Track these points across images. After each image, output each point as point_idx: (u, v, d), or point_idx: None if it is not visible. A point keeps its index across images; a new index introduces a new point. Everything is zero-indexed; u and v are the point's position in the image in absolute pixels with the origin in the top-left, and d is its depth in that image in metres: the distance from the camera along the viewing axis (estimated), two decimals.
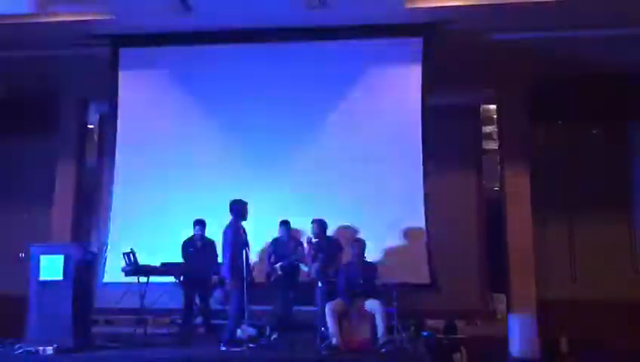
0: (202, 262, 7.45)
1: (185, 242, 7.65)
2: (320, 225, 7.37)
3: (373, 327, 6.56)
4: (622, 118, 8.85)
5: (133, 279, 7.27)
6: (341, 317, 6.61)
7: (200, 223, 7.59)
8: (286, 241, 7.50)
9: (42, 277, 6.60)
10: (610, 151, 8.83)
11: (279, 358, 6.32)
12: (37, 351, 6.25)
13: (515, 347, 7.91)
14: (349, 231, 7.74)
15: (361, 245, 6.98)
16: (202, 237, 7.60)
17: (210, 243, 7.58)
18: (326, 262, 7.04)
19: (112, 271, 7.95)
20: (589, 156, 8.80)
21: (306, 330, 6.88)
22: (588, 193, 8.66)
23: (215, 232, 7.59)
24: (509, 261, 8.30)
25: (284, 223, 7.53)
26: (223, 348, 6.44)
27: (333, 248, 7.28)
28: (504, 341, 7.98)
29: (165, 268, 7.39)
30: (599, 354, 7.87)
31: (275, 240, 7.55)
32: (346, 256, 7.24)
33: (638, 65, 8.38)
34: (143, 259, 7.38)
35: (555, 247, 8.62)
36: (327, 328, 6.62)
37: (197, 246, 7.60)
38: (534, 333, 7.88)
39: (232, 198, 6.90)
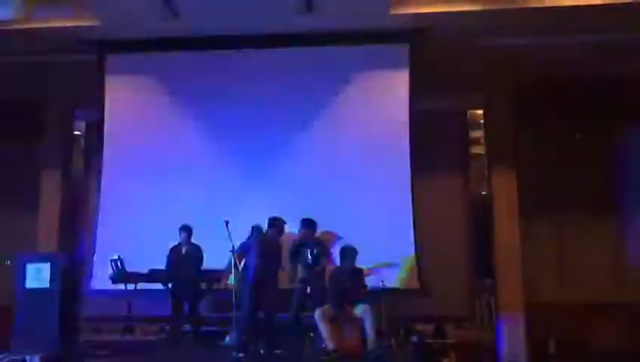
0: (188, 268, 7.40)
1: (171, 249, 7.59)
2: (306, 224, 7.27)
3: (363, 332, 6.57)
4: (607, 122, 8.94)
5: (121, 286, 7.24)
6: (331, 323, 6.61)
7: (185, 229, 7.53)
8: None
9: (28, 286, 6.55)
10: (596, 154, 8.91)
11: None
12: (23, 360, 6.19)
13: (504, 349, 7.95)
14: (336, 237, 7.75)
15: (352, 253, 6.97)
16: (188, 243, 7.55)
17: (196, 249, 7.53)
18: (310, 265, 7.02)
19: (100, 278, 7.90)
20: (575, 160, 8.87)
21: (287, 336, 6.87)
22: (574, 196, 8.73)
23: (204, 238, 7.59)
24: (496, 264, 8.35)
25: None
26: (241, 355, 6.42)
27: (319, 250, 7.19)
28: (493, 344, 8.01)
29: (153, 275, 7.35)
30: (586, 355, 7.94)
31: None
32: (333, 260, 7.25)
33: (623, 69, 8.48)
34: (130, 266, 7.35)
35: (542, 250, 8.67)
36: (316, 334, 6.62)
37: (182, 253, 7.55)
38: (522, 335, 7.92)
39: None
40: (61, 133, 9.11)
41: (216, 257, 7.38)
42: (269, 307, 6.79)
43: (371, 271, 7.46)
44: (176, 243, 7.57)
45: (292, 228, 7.36)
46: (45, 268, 6.59)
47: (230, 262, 6.88)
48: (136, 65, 8.64)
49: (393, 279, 7.78)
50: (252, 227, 7.14)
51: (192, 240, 7.58)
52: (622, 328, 8.14)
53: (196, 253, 7.48)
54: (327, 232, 7.72)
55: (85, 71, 8.52)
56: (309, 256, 7.05)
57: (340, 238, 7.67)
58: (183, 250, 7.54)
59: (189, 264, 7.41)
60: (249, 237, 6.99)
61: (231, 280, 7.11)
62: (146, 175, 8.35)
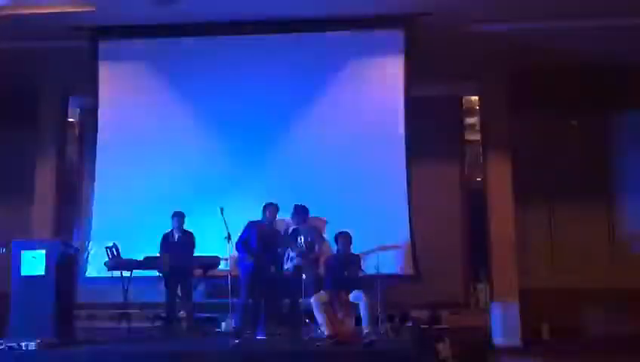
0: (180, 254, 7.37)
1: (163, 236, 7.56)
2: (298, 211, 7.23)
3: (358, 319, 6.59)
4: (601, 108, 8.95)
5: (117, 273, 7.24)
6: (326, 309, 6.63)
7: (178, 215, 7.49)
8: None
9: (24, 273, 6.54)
10: (590, 141, 8.94)
11: (273, 351, 6.30)
12: (20, 347, 6.20)
13: (498, 335, 8.01)
14: (332, 223, 7.75)
15: (347, 239, 6.96)
16: (180, 229, 7.53)
17: (188, 235, 7.52)
18: (304, 251, 7.03)
19: (95, 265, 7.90)
20: (569, 146, 8.90)
21: (284, 323, 6.89)
22: (568, 183, 8.76)
23: (198, 225, 7.58)
24: (491, 250, 8.38)
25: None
26: (237, 341, 6.40)
27: (313, 237, 7.17)
28: (487, 330, 8.07)
29: (148, 262, 7.35)
30: (579, 341, 8.01)
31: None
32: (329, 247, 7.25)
33: (617, 56, 8.47)
34: (125, 253, 7.35)
35: (537, 236, 8.72)
36: (312, 320, 6.65)
37: (174, 239, 7.53)
38: (516, 321, 7.97)
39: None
40: (55, 120, 9.07)
41: (210, 244, 7.41)
42: (267, 294, 6.79)
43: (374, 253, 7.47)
44: (169, 230, 7.56)
45: (285, 215, 7.35)
46: (41, 255, 6.56)
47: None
48: (131, 51, 8.57)
49: (389, 265, 7.80)
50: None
51: (187, 226, 7.57)
52: (615, 314, 8.20)
53: (189, 239, 7.48)
54: (317, 218, 7.71)
55: (79, 57, 8.44)
56: (303, 243, 7.05)
57: (328, 223, 7.64)
58: (176, 237, 7.53)
59: (181, 250, 7.40)
60: (245, 228, 6.97)
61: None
62: (141, 162, 8.31)
